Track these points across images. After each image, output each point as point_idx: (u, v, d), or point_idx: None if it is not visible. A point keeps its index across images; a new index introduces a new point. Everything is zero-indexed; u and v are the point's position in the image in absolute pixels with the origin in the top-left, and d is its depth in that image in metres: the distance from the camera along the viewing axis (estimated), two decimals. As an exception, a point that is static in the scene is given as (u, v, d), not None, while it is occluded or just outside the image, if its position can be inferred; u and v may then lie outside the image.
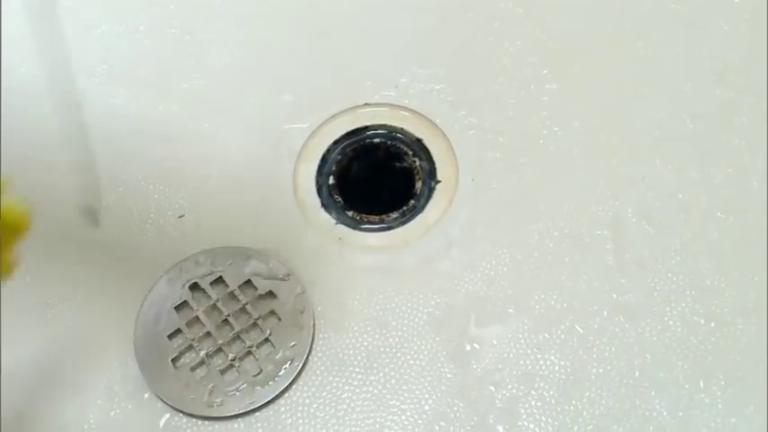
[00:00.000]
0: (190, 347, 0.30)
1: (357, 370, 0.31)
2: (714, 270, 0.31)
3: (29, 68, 0.38)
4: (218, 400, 0.29)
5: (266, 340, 0.30)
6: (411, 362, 0.31)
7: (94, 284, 0.32)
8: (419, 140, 0.35)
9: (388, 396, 0.30)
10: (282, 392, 0.30)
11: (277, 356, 0.30)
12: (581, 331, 0.30)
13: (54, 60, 0.34)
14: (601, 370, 0.30)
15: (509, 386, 0.30)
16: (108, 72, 0.38)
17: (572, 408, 0.29)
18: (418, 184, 0.35)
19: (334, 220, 0.34)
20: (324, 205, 0.34)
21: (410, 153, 0.35)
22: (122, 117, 0.37)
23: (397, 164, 0.36)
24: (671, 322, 0.30)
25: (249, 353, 0.30)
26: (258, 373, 0.30)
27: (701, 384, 0.29)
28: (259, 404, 0.30)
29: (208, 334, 0.30)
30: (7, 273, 0.23)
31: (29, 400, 0.31)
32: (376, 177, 0.37)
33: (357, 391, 0.30)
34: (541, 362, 0.30)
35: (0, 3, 0.36)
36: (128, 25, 0.40)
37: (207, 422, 0.29)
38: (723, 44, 0.37)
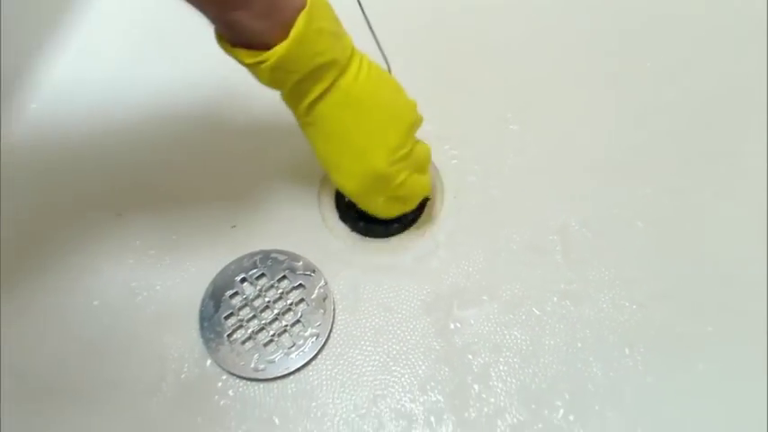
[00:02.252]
0: (240, 326, 0.36)
1: (367, 343, 0.36)
2: (636, 266, 0.36)
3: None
4: (262, 366, 0.35)
5: (298, 321, 0.36)
6: (408, 337, 0.36)
7: (169, 279, 0.38)
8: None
9: (391, 363, 0.35)
10: (310, 361, 0.35)
11: (306, 333, 0.36)
12: (537, 313, 0.36)
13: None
14: (552, 342, 0.35)
15: (483, 355, 0.35)
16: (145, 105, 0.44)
17: (530, 371, 0.34)
18: None
19: (349, 229, 0.39)
20: (342, 218, 0.39)
21: None
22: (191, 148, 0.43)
23: None
24: (604, 305, 0.35)
25: (285, 330, 0.36)
26: (292, 346, 0.35)
27: (627, 351, 0.34)
28: (292, 369, 0.35)
29: (254, 316, 0.36)
30: None
31: (118, 366, 0.36)
32: None
33: (367, 359, 0.35)
34: (507, 336, 0.35)
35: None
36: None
37: (253, 383, 0.35)
38: (643, 92, 0.42)
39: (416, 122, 0.35)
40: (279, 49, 0.28)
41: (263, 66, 0.29)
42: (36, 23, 0.44)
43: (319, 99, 0.31)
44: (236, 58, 0.29)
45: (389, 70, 0.34)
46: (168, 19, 0.46)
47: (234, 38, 0.29)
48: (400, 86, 0.34)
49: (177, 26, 0.45)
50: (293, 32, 0.28)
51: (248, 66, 0.29)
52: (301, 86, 0.30)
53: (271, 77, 0.30)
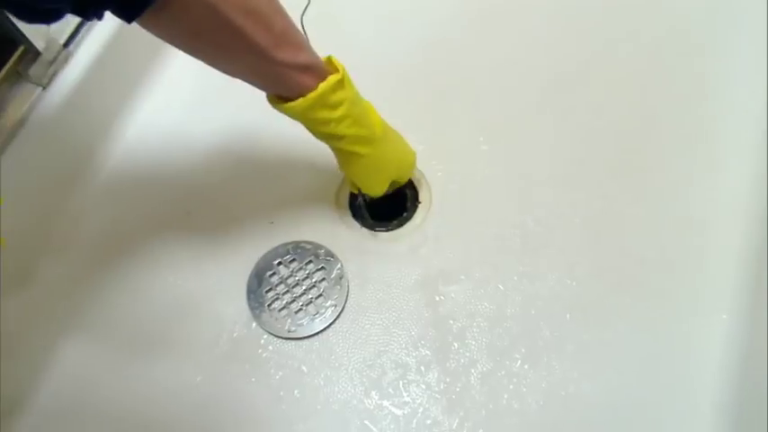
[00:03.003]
0: (277, 298, 0.44)
1: (373, 312, 0.44)
2: (575, 253, 0.44)
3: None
4: (293, 328, 0.43)
5: (320, 294, 0.44)
6: (404, 307, 0.44)
7: (224, 262, 0.46)
8: (409, 178, 0.47)
9: (392, 327, 0.43)
10: (330, 325, 0.43)
11: (327, 304, 0.44)
12: (501, 288, 0.43)
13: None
14: (512, 310, 0.43)
15: (460, 321, 0.43)
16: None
17: (497, 332, 0.42)
18: (408, 204, 0.48)
19: (359, 225, 0.47)
20: (354, 216, 0.48)
21: (404, 186, 0.48)
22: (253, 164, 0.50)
23: (397, 192, 0.48)
24: (552, 282, 0.43)
25: (311, 301, 0.44)
26: (316, 313, 0.43)
27: (568, 317, 0.42)
28: (317, 331, 0.43)
29: (287, 291, 0.44)
30: None
31: (187, 326, 0.44)
32: (384, 200, 0.47)
33: (373, 324, 0.43)
34: (479, 306, 0.43)
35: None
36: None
37: (286, 341, 0.43)
38: (579, 123, 0.49)
39: (414, 164, 0.44)
40: (328, 81, 0.34)
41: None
42: (125, 83, 0.53)
43: (358, 155, 0.39)
44: (290, 109, 0.35)
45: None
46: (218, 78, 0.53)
47: (284, 93, 0.35)
48: (405, 141, 0.43)
49: (223, 84, 0.52)
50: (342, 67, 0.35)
51: (302, 109, 0.34)
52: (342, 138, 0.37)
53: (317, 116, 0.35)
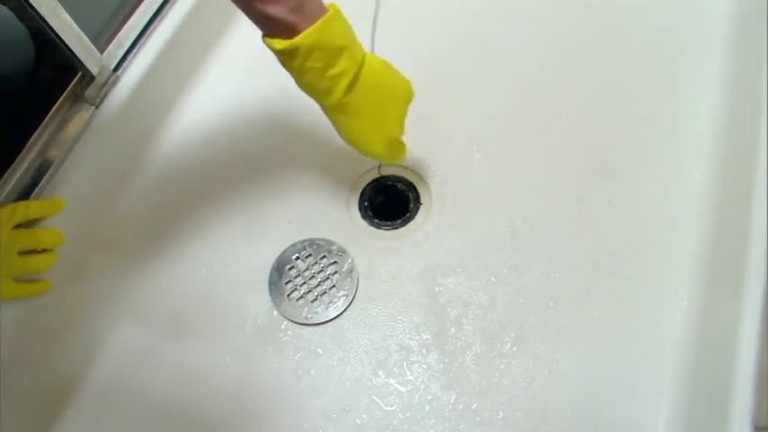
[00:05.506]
0: (295, 289, 0.49)
1: (380, 301, 0.48)
2: (557, 248, 0.48)
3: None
4: (309, 315, 0.48)
5: (333, 286, 0.49)
6: (407, 296, 0.48)
7: (249, 257, 0.51)
8: (411, 183, 0.53)
9: (396, 314, 0.47)
10: (342, 313, 0.48)
11: (339, 294, 0.48)
12: (493, 280, 0.48)
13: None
14: (502, 299, 0.47)
15: (457, 308, 0.47)
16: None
17: (489, 319, 0.46)
18: (411, 205, 0.52)
19: (367, 224, 0.52)
20: (362, 216, 0.52)
21: (407, 189, 0.53)
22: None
23: (401, 195, 0.53)
24: (537, 274, 0.48)
25: (325, 292, 0.49)
26: (330, 302, 0.48)
27: (551, 304, 0.46)
28: (330, 318, 0.47)
29: (304, 282, 0.49)
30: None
31: (216, 313, 0.49)
32: (389, 202, 0.53)
33: (380, 312, 0.47)
34: (474, 296, 0.47)
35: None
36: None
37: (304, 326, 0.48)
38: (559, 134, 0.54)
39: (412, 95, 0.43)
40: (311, 31, 0.34)
41: (300, 47, 0.34)
42: (163, 101, 0.59)
43: (348, 91, 0.38)
44: (274, 47, 0.35)
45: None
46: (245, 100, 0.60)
47: (272, 32, 0.35)
48: (396, 70, 0.42)
49: (250, 106, 0.59)
50: (319, 21, 0.35)
51: (283, 52, 0.35)
52: (328, 80, 0.36)
53: (301, 65, 0.35)
